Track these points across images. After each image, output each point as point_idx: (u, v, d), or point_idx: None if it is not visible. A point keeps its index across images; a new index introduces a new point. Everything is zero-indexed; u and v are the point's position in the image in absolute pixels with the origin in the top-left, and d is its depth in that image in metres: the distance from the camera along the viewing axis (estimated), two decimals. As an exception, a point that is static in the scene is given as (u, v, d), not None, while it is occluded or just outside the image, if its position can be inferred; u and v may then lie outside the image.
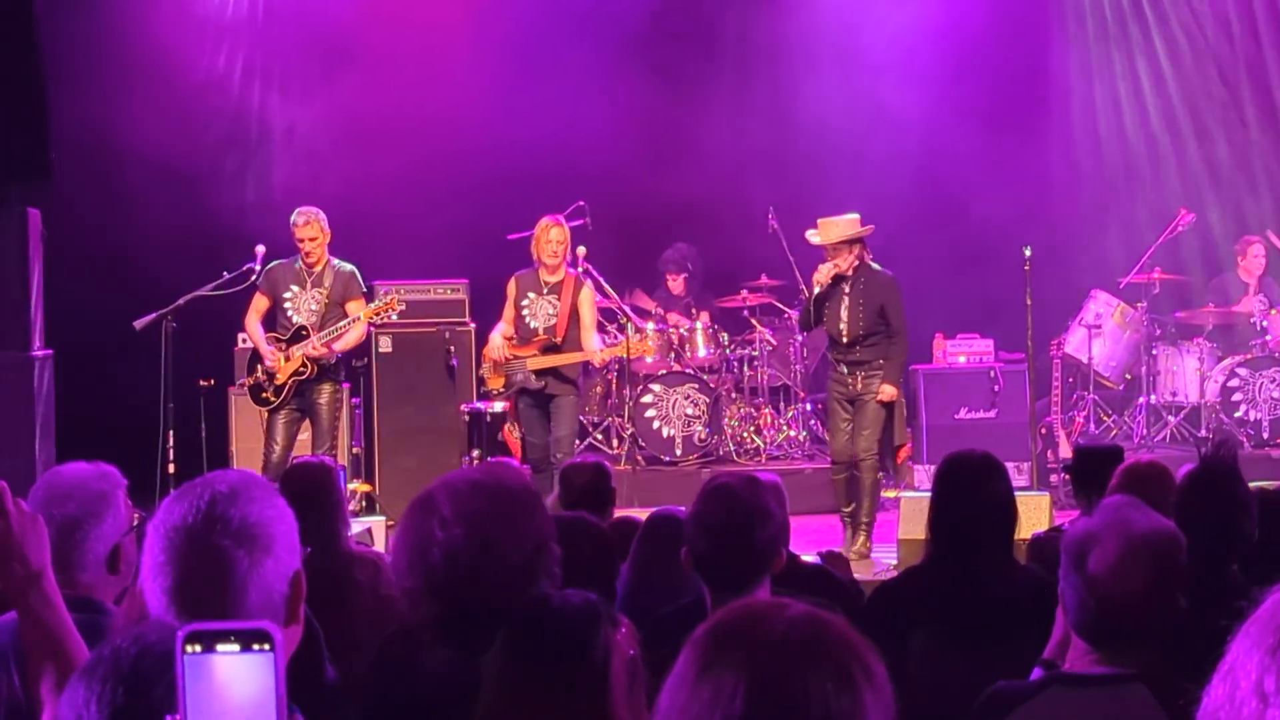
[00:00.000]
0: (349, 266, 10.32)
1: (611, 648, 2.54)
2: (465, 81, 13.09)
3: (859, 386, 10.05)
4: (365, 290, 10.36)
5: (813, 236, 10.22)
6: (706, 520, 3.97)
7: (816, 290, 10.11)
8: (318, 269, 10.20)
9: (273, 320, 10.28)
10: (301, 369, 10.10)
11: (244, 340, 10.97)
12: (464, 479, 2.99)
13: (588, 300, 10.47)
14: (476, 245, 12.12)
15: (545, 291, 10.44)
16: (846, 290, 10.06)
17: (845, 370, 10.11)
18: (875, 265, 10.15)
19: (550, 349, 10.39)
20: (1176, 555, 3.22)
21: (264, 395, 10.17)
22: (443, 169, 12.99)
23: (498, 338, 10.53)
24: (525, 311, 10.47)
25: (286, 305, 10.21)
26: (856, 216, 10.25)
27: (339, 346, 10.17)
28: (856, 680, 1.86)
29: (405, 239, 12.58)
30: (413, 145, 13.04)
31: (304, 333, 10.13)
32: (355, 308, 10.21)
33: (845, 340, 10.07)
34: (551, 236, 10.37)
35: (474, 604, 2.84)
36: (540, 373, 10.39)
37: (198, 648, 1.81)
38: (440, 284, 12.04)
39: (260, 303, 10.26)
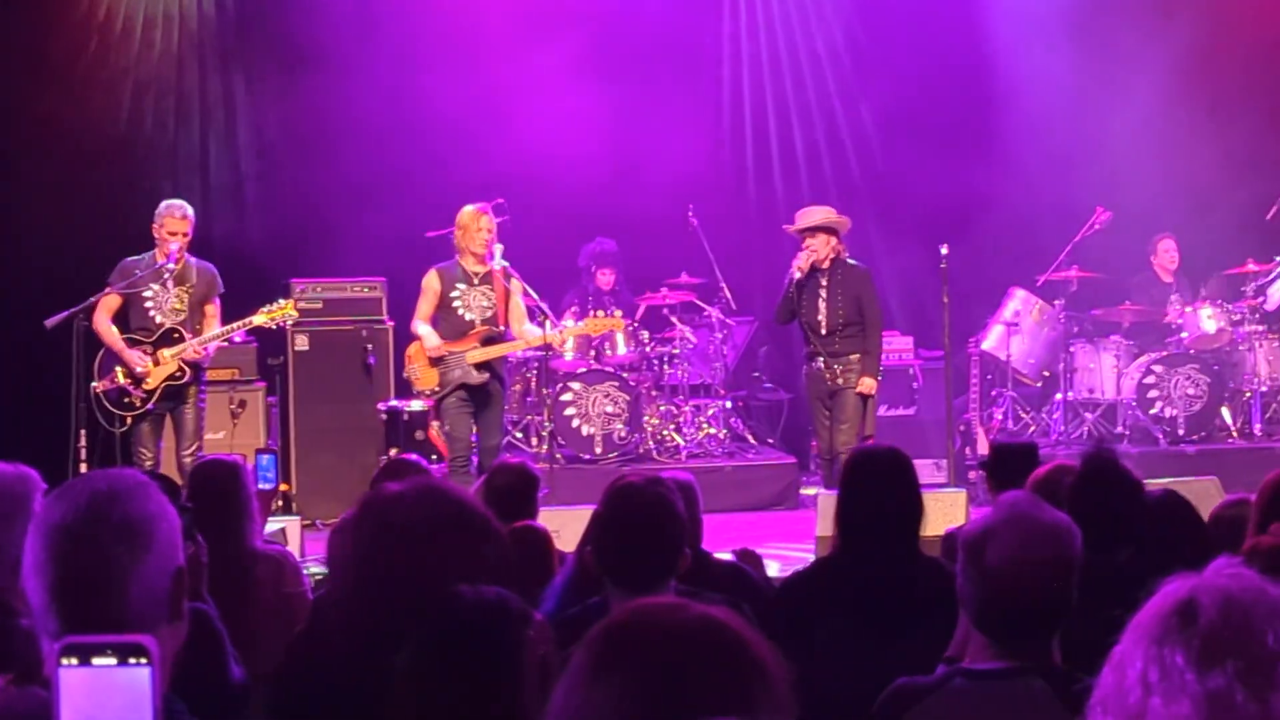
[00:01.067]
0: (210, 266, 9.98)
1: (524, 645, 2.51)
2: (387, 83, 13.02)
3: (838, 380, 10.30)
4: (223, 291, 9.99)
5: (791, 228, 10.60)
6: (609, 520, 3.95)
7: (797, 275, 10.35)
8: (179, 266, 9.76)
9: (121, 319, 9.80)
10: (178, 373, 9.70)
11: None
12: (423, 518, 2.81)
13: (519, 290, 10.32)
14: (393, 243, 12.02)
15: (476, 282, 10.20)
16: (824, 283, 10.39)
17: (823, 364, 10.34)
18: (850, 260, 10.50)
19: (492, 340, 10.20)
20: (1072, 548, 3.24)
21: (128, 400, 9.68)
22: (362, 168, 12.90)
23: (432, 335, 10.16)
24: (457, 304, 10.18)
25: (148, 305, 9.75)
26: (833, 210, 10.67)
27: (213, 348, 9.89)
28: (751, 682, 1.85)
29: (324, 237, 12.47)
30: (337, 146, 12.96)
31: (175, 335, 9.73)
32: (212, 310, 9.87)
33: (824, 331, 10.35)
34: (482, 225, 10.15)
35: (404, 621, 2.79)
36: (480, 366, 10.17)
37: (74, 660, 1.78)
38: (357, 282, 11.94)
39: (113, 302, 9.76)
